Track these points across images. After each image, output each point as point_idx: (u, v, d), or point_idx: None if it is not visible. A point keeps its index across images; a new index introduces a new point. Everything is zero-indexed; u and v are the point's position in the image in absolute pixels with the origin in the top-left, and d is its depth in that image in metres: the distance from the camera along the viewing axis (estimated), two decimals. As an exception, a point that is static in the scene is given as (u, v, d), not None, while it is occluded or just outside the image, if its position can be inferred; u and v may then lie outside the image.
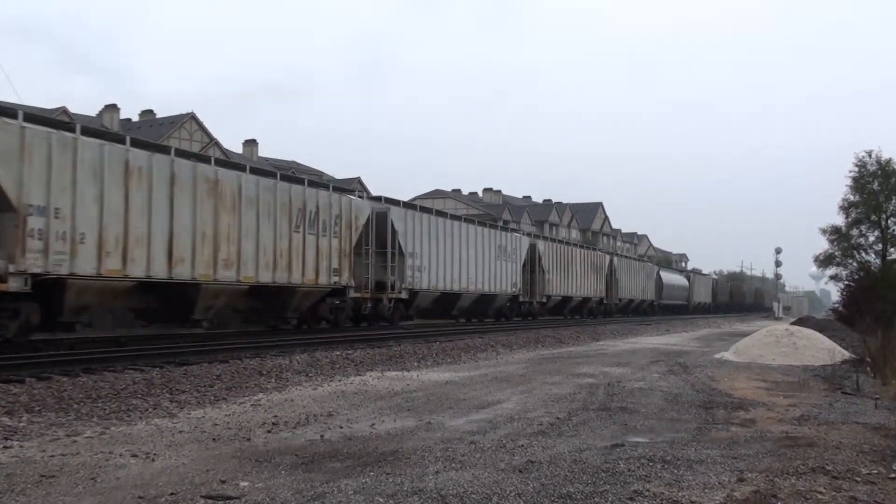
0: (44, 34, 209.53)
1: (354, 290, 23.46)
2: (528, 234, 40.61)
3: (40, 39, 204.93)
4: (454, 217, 31.62)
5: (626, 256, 60.58)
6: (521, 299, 36.08)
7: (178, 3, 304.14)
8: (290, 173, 31.61)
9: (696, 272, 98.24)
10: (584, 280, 44.12)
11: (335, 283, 22.38)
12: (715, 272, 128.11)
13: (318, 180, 29.35)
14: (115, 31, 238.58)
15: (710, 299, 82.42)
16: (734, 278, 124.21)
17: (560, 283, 40.47)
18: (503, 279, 33.77)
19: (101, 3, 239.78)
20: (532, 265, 37.11)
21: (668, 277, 67.31)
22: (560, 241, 44.98)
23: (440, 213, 30.65)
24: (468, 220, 33.49)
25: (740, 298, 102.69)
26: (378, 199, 27.57)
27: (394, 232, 25.54)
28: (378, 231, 24.87)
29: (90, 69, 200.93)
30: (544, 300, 38.55)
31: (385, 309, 25.35)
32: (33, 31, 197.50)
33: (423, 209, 29.53)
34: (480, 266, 31.50)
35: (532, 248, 37.36)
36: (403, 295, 26.01)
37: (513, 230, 38.78)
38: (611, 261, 49.52)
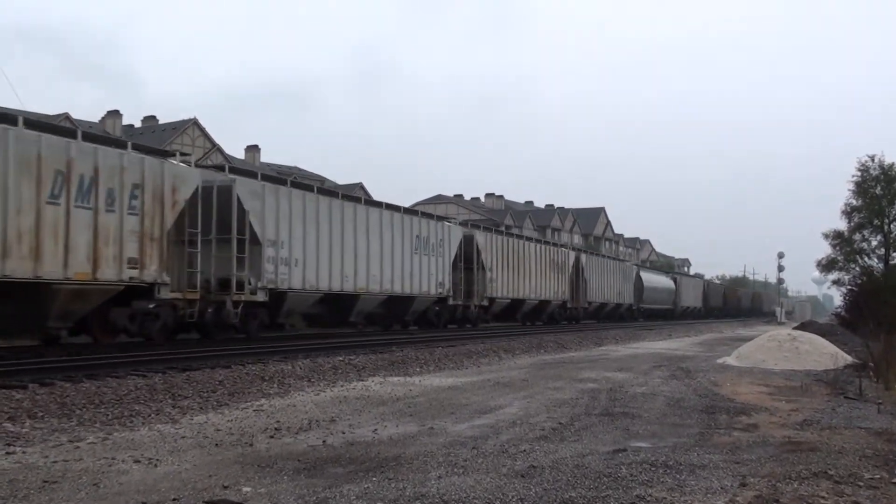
0: (47, 40, 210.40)
1: (171, 289, 17.26)
2: (465, 224, 33.72)
3: (44, 46, 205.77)
4: (349, 198, 25.00)
5: (597, 254, 52.13)
6: (451, 302, 29.73)
7: (181, 11, 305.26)
8: (293, 178, 30.99)
9: (685, 274, 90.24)
10: (542, 280, 37.70)
11: (132, 278, 16.13)
12: (717, 277, 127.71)
13: (321, 185, 28.73)
14: (119, 38, 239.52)
15: (700, 303, 75.68)
16: (735, 283, 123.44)
17: (508, 283, 34.13)
18: (425, 278, 27.27)
19: (104, 9, 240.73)
20: (469, 261, 30.87)
21: (651, 279, 59.73)
22: (509, 234, 37.03)
23: (326, 192, 24.32)
24: (371, 203, 26.56)
25: (735, 303, 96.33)
26: (220, 167, 22.30)
27: (242, 212, 19.33)
28: (219, 210, 18.73)
29: (94, 75, 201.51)
30: (486, 303, 32.49)
31: (230, 315, 18.97)
32: (36, 38, 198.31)
33: (298, 185, 23.53)
34: (388, 261, 25.02)
35: (467, 241, 30.79)
36: (259, 297, 19.80)
37: (440, 218, 31.21)
38: (577, 258, 42.98)
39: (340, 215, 22.98)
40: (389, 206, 26.18)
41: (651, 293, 57.45)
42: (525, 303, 36.51)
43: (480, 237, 32.09)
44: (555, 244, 42.43)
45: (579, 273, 42.73)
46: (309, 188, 23.22)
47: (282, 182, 22.13)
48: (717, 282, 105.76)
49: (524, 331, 31.63)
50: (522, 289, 35.76)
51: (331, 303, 23.24)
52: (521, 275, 35.49)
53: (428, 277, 27.59)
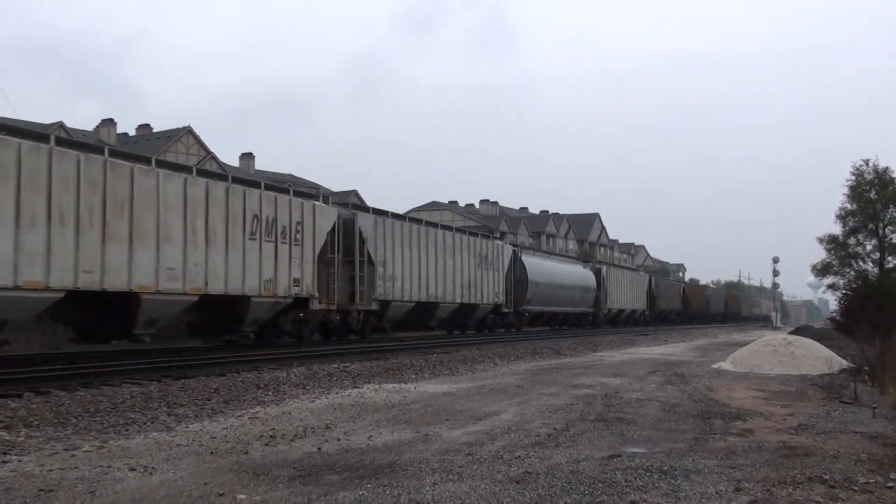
0: (51, 56, 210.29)
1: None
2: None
3: (47, 61, 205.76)
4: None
5: (410, 221, 28.67)
6: None
7: (183, 27, 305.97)
8: (287, 186, 31.08)
9: (615, 264, 66.65)
10: (238, 258, 19.08)
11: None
12: (713, 282, 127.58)
13: (315, 193, 28.82)
14: (122, 53, 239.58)
15: (642, 306, 56.82)
16: (730, 288, 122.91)
17: (106, 254, 15.62)
18: None
19: (107, 26, 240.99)
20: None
21: (545, 268, 40.08)
22: (123, 155, 17.44)
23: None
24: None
25: (701, 306, 76.88)
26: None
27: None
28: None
29: (95, 89, 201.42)
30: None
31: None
32: (41, 54, 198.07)
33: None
34: None
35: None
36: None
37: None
38: (345, 224, 23.68)
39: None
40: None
41: (546, 290, 38.91)
42: (141, 304, 16.47)
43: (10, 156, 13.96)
44: (276, 187, 22.07)
45: (358, 253, 23.95)
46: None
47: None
48: (675, 281, 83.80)
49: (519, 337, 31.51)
50: (142, 271, 16.42)
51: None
52: (163, 244, 16.88)
53: None
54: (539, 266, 39.31)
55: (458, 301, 30.19)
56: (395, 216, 27.68)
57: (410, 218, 29.66)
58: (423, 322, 29.36)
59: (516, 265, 36.27)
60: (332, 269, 22.70)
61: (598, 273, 48.26)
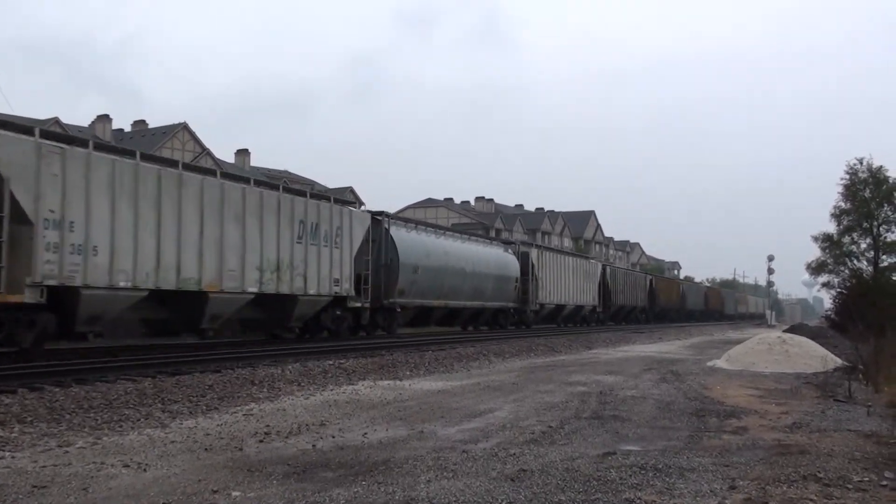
0: (52, 54, 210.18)
1: None
2: None
3: (49, 59, 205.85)
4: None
5: (145, 158, 16.73)
6: None
7: (184, 25, 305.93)
8: (284, 183, 30.55)
9: (562, 251, 49.13)
10: None
11: None
12: (707, 279, 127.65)
13: (312, 189, 28.41)
14: (123, 54, 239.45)
15: (594, 301, 45.88)
16: (727, 285, 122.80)
17: None
18: None
19: (112, 23, 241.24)
20: None
21: (433, 248, 28.85)
22: None
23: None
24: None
25: (674, 302, 66.67)
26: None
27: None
28: None
29: (97, 88, 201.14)
30: None
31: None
32: (42, 52, 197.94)
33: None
34: None
35: None
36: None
37: None
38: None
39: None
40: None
41: (433, 278, 28.38)
42: None
43: None
44: None
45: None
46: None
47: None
48: (640, 272, 70.72)
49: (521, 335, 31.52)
50: None
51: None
52: None
53: None
54: (420, 244, 28.03)
55: (255, 290, 19.11)
56: (104, 147, 17.36)
57: (145, 155, 17.18)
58: (184, 322, 18.30)
59: (382, 242, 25.59)
60: None
61: (524, 258, 36.51)
